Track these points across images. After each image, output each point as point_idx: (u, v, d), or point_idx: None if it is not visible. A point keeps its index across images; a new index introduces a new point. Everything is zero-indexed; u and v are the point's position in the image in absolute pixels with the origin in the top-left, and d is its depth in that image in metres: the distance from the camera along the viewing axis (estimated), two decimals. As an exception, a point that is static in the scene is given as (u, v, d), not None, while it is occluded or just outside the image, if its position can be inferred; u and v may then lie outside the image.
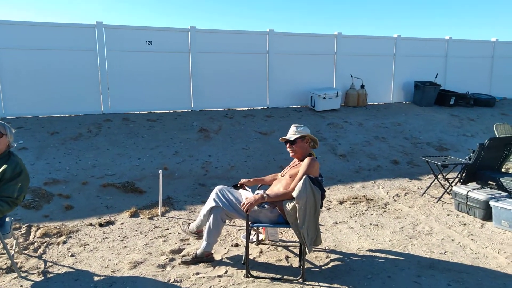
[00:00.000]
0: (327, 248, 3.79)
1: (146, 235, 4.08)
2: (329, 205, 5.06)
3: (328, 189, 5.73)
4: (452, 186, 5.21)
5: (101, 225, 4.33)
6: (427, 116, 9.93)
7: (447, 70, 11.84)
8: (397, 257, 3.59)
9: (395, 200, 5.31)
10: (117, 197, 5.15)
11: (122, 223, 4.41)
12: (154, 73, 8.76)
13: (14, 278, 3.16)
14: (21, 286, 3.06)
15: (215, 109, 9.29)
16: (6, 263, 3.37)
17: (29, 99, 7.86)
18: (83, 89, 8.24)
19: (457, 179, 5.42)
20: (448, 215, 4.73)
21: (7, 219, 3.33)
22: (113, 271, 3.30)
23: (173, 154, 6.59)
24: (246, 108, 9.55)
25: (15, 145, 3.33)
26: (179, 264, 3.42)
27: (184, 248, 3.75)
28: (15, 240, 3.59)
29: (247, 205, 3.15)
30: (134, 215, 4.65)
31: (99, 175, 5.64)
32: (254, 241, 3.83)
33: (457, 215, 4.72)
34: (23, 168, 3.18)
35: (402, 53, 11.08)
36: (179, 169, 6.13)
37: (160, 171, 4.74)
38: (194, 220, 3.86)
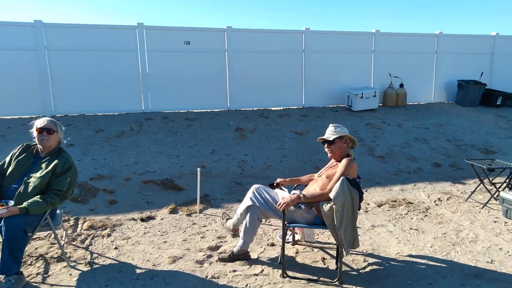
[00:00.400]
0: (364, 251, 3.73)
1: (184, 231, 4.20)
2: (366, 208, 4.97)
3: (366, 191, 5.63)
4: (499, 191, 4.96)
5: (142, 220, 4.51)
6: (471, 116, 9.49)
7: (493, 68, 11.25)
8: (439, 264, 3.47)
9: (437, 204, 5.13)
10: (157, 193, 5.33)
11: (162, 219, 4.56)
12: (192, 73, 8.96)
13: (64, 267, 3.36)
14: (70, 274, 3.25)
15: (251, 109, 9.36)
16: (57, 252, 3.59)
17: (76, 98, 8.28)
18: (125, 88, 8.57)
19: (505, 184, 5.15)
20: (495, 222, 4.51)
21: (57, 211, 3.54)
22: (154, 265, 3.43)
23: (210, 153, 6.72)
24: (281, 108, 9.55)
25: (65, 141, 3.53)
26: (216, 260, 3.49)
27: (221, 246, 3.83)
28: (64, 231, 3.81)
29: (284, 205, 3.17)
30: (173, 211, 4.80)
31: (141, 171, 5.86)
32: (290, 241, 3.84)
33: (505, 222, 4.49)
34: (72, 164, 3.38)
35: (444, 50, 10.65)
36: (216, 168, 6.25)
37: (198, 169, 4.85)
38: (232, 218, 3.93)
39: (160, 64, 8.73)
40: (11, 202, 2.98)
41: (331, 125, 3.50)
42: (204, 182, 5.64)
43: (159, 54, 8.70)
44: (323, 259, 3.53)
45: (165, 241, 3.93)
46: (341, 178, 3.04)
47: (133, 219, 4.55)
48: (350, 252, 3.48)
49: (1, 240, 2.91)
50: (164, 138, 7.16)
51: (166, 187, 5.51)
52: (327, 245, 3.82)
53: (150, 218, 4.60)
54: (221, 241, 3.93)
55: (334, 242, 3.25)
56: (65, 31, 8.15)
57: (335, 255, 3.53)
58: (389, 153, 7.16)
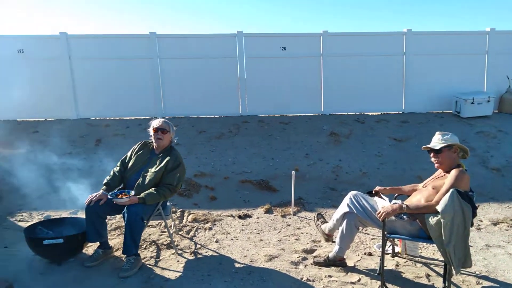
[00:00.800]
0: (477, 272, 3.39)
1: (279, 232, 4.30)
2: (479, 225, 4.51)
3: (478, 206, 5.09)
4: None
5: (240, 217, 4.74)
6: None
7: None
8: None
9: None
10: (253, 193, 5.55)
11: (258, 218, 4.74)
12: (286, 78, 9.11)
13: (172, 254, 3.71)
14: (178, 261, 3.57)
15: (345, 113, 9.16)
16: (166, 240, 3.98)
17: (182, 102, 9.05)
18: (225, 92, 9.08)
19: None
20: None
21: (168, 203, 3.93)
22: (251, 261, 3.58)
23: (304, 157, 6.75)
24: (379, 113, 9.15)
25: (176, 141, 3.89)
26: (311, 264, 3.50)
27: (316, 249, 3.83)
28: (173, 222, 4.20)
29: (384, 214, 3.04)
30: (268, 211, 4.94)
31: (238, 171, 6.16)
32: (390, 253, 3.67)
33: None
34: (181, 161, 3.71)
35: None
36: (310, 172, 6.26)
37: (293, 172, 4.92)
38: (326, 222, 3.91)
39: (257, 70, 9.06)
40: (132, 192, 3.40)
41: (438, 132, 3.26)
42: (298, 185, 5.68)
43: (256, 60, 9.04)
44: (428, 275, 3.30)
45: (261, 239, 4.08)
46: (451, 190, 2.82)
47: (232, 215, 4.80)
48: (461, 271, 3.20)
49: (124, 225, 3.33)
50: (260, 141, 7.41)
51: (261, 187, 5.70)
52: (432, 261, 3.56)
53: (247, 216, 4.80)
54: (315, 245, 3.93)
55: (441, 258, 3.02)
56: (174, 41, 8.99)
57: (441, 272, 3.27)
58: (506, 165, 6.38)
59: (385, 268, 3.20)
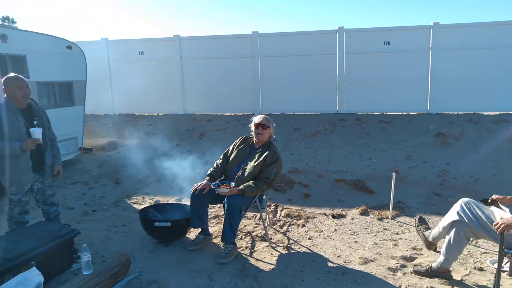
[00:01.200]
0: None
1: (375, 235, 4.12)
2: None
3: None
4: None
5: (333, 216, 4.66)
6: None
7: None
8: None
9: None
10: (348, 192, 5.40)
11: (352, 218, 4.60)
12: (389, 74, 8.64)
13: (266, 246, 3.82)
14: (271, 254, 3.66)
15: (456, 113, 8.34)
16: (260, 232, 4.11)
17: (278, 98, 9.22)
18: (321, 90, 9.00)
19: None
20: None
21: (264, 197, 4.05)
22: (345, 262, 3.50)
23: (405, 158, 6.34)
24: (498, 113, 8.11)
25: (274, 136, 3.98)
26: (411, 272, 3.28)
27: (416, 257, 3.57)
28: (267, 215, 4.32)
29: (502, 226, 2.70)
30: (363, 213, 4.77)
31: (333, 170, 6.05)
32: (507, 271, 3.24)
33: None
34: (279, 156, 3.79)
35: None
36: (411, 174, 5.85)
37: (394, 174, 4.65)
38: (427, 228, 3.61)
39: (357, 66, 8.77)
40: (232, 184, 3.59)
41: None
42: (397, 188, 5.35)
43: (357, 56, 8.75)
44: (554, 301, 2.84)
45: (355, 241, 3.96)
46: None
47: (325, 214, 4.75)
48: None
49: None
50: (357, 140, 7.17)
51: (357, 188, 5.52)
52: (560, 285, 3.05)
53: (341, 216, 4.70)
54: (416, 253, 3.67)
55: None
56: (274, 39, 9.18)
57: None
58: None
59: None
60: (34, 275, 2.41)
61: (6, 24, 30.03)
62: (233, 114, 9.38)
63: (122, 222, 4.56)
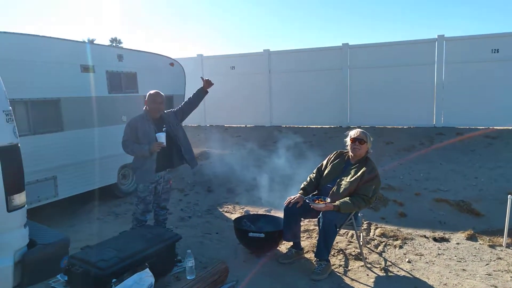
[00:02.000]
0: None
1: (487, 264, 3.68)
2: None
3: None
4: None
5: (435, 239, 4.28)
6: None
7: None
8: None
9: None
10: (450, 214, 4.94)
11: (457, 243, 4.18)
12: (497, 84, 7.79)
13: (361, 266, 3.65)
14: (367, 275, 3.49)
15: None
16: (354, 251, 3.95)
17: (367, 111, 8.88)
18: (416, 102, 8.45)
19: None
20: None
21: (359, 214, 3.89)
22: (452, 292, 3.18)
23: (520, 178, 5.60)
24: None
25: (372, 151, 3.81)
26: (537, 311, 2.85)
27: (542, 295, 3.10)
28: (361, 234, 4.14)
29: None
30: (471, 238, 4.30)
31: (432, 188, 5.60)
32: None
33: None
34: (377, 173, 3.62)
35: None
36: (528, 197, 5.13)
37: (509, 196, 4.13)
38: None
39: (458, 76, 8.08)
40: (328, 199, 3.51)
41: None
42: None
43: (458, 66, 8.07)
44: None
45: (463, 269, 3.58)
46: None
47: (425, 236, 4.39)
48: None
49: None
50: (459, 156, 6.56)
51: (461, 209, 5.02)
52: None
53: (444, 239, 4.30)
54: (540, 289, 3.19)
55: None
56: (365, 50, 8.92)
57: None
58: None
59: None
60: (147, 276, 2.62)
61: (114, 44, 33.93)
62: (319, 126, 9.27)
63: (215, 229, 4.75)
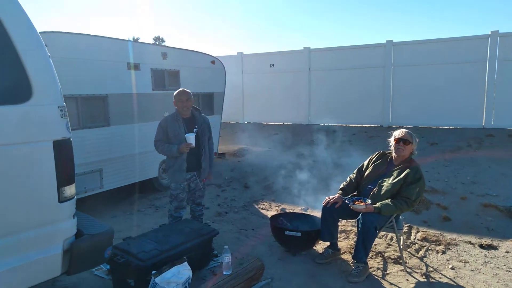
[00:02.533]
0: None
1: (540, 276, 3.44)
2: None
3: None
4: None
5: (481, 246, 4.06)
6: None
7: None
8: None
9: None
10: (499, 220, 4.66)
11: (507, 252, 3.94)
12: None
13: (401, 270, 3.53)
14: (407, 280, 3.37)
15: None
16: (393, 254, 3.83)
17: (411, 110, 8.56)
18: (464, 101, 8.04)
19: None
20: None
21: (400, 217, 3.76)
22: (501, 303, 3.00)
23: None
24: None
25: (417, 152, 3.67)
26: None
27: None
28: (401, 237, 4.00)
29: None
30: (522, 247, 4.04)
31: (479, 193, 5.31)
32: None
33: None
34: (422, 175, 3.48)
35: None
36: None
37: None
38: None
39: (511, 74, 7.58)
40: (368, 201, 3.42)
41: None
42: None
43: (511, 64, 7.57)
44: None
45: (513, 280, 3.37)
46: None
47: (470, 242, 4.17)
48: None
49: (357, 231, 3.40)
50: (510, 159, 6.17)
51: (511, 216, 4.72)
52: None
53: (491, 247, 4.07)
54: None
55: None
56: (409, 47, 8.60)
57: None
58: None
59: None
60: (185, 269, 2.69)
61: (157, 43, 35.01)
62: (359, 125, 9.06)
63: (251, 226, 4.79)
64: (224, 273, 2.92)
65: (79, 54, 4.63)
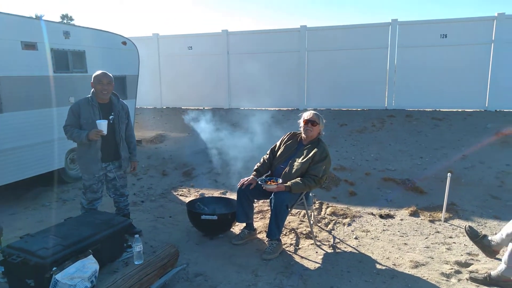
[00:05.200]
0: None
1: (426, 238, 3.93)
2: None
3: None
4: None
5: (381, 216, 4.50)
6: None
7: None
8: None
9: None
10: (396, 192, 5.20)
11: (401, 219, 4.42)
12: (444, 68, 8.18)
13: (311, 244, 3.77)
14: (316, 252, 3.61)
15: (519, 110, 7.74)
16: (305, 230, 4.07)
17: (323, 93, 9.04)
18: (370, 85, 8.70)
19: None
20: None
21: (310, 194, 3.98)
22: (394, 265, 3.36)
23: (460, 158, 5.98)
24: None
25: (324, 133, 3.89)
26: (467, 279, 3.09)
27: (472, 264, 3.36)
28: (312, 213, 4.26)
29: None
30: (413, 214, 4.56)
31: (380, 168, 5.85)
32: None
33: None
34: (328, 154, 3.70)
35: None
36: (467, 175, 5.51)
37: (449, 174, 4.41)
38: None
39: (408, 60, 8.39)
40: (280, 180, 3.56)
41: None
42: (451, 190, 5.06)
43: (408, 50, 8.36)
44: None
45: (405, 243, 3.80)
46: None
47: (372, 213, 4.60)
48: None
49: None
50: (407, 137, 6.88)
51: (406, 187, 5.29)
52: None
53: (389, 216, 4.53)
54: (471, 258, 3.45)
55: None
56: (321, 33, 8.98)
57: None
58: None
59: None
60: (91, 263, 2.55)
61: (65, 21, 31.93)
62: (276, 109, 9.33)
63: (169, 213, 4.70)
64: (136, 262, 2.83)
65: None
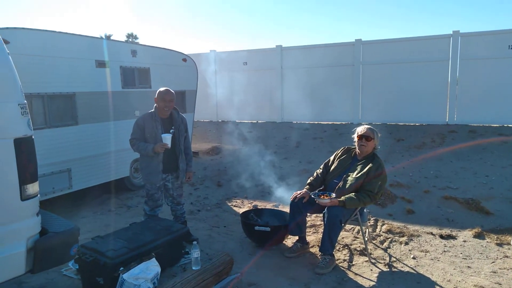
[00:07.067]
0: None
1: (493, 262, 3.67)
2: None
3: None
4: None
5: (441, 236, 4.28)
6: None
7: None
8: None
9: None
10: (459, 212, 4.92)
11: (464, 241, 4.17)
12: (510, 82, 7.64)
13: (366, 261, 3.68)
14: (371, 270, 3.52)
15: None
16: (359, 246, 3.98)
17: (379, 107, 8.83)
18: (430, 99, 8.36)
19: None
20: None
21: (365, 210, 3.91)
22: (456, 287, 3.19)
23: (532, 177, 5.53)
24: None
25: (379, 147, 3.82)
26: (540, 310, 2.85)
27: (548, 294, 3.09)
28: (367, 229, 4.16)
29: None
30: (478, 236, 4.28)
31: (441, 186, 5.57)
32: None
33: None
34: (384, 170, 3.63)
35: None
36: (540, 197, 5.07)
37: (518, 194, 4.10)
38: None
39: (473, 73, 7.95)
40: (333, 195, 3.55)
41: None
42: (521, 211, 4.72)
43: (474, 62, 7.93)
44: None
45: (469, 266, 3.58)
46: None
47: (431, 233, 4.39)
48: None
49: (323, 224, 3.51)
50: (470, 154, 6.49)
51: (470, 207, 4.99)
52: None
53: (450, 237, 4.29)
54: (548, 289, 3.17)
55: None
56: (377, 46, 8.84)
57: None
58: None
59: None
60: (153, 265, 2.72)
61: (130, 40, 34.35)
62: (330, 123, 9.27)
63: (223, 223, 4.84)
64: (193, 268, 2.96)
65: (44, 52, 4.54)
